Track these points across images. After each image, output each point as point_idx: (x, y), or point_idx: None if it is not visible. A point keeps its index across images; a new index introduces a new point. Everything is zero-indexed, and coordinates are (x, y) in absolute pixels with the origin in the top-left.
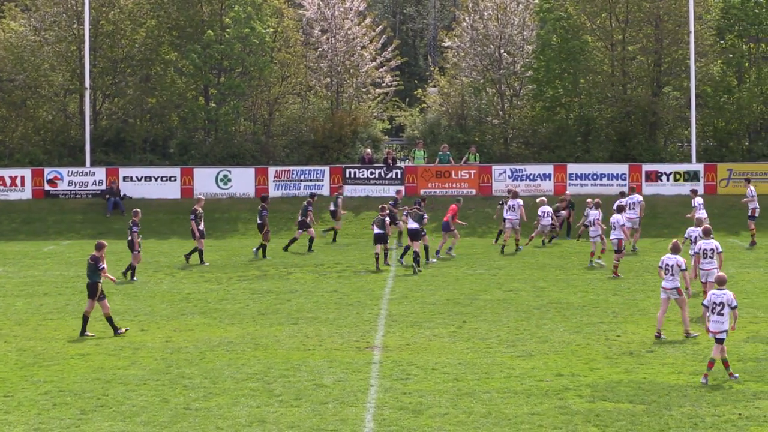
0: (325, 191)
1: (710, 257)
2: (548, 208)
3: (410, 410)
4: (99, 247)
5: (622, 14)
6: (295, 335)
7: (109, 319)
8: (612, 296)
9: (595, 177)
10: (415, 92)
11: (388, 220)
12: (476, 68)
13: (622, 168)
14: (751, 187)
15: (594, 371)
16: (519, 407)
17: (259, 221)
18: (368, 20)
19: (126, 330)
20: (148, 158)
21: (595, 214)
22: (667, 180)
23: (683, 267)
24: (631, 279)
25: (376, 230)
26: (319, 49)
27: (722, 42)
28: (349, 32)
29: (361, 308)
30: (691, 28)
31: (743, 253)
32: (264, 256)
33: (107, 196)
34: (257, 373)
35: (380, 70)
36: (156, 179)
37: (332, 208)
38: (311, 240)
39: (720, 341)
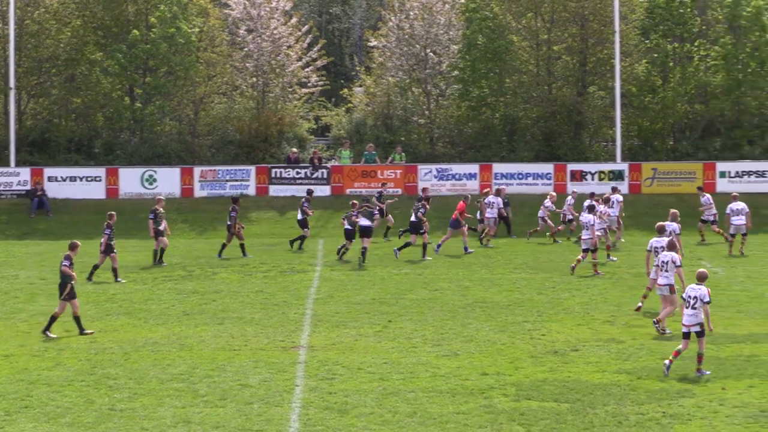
0: (251, 191)
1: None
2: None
3: (336, 410)
4: (72, 247)
5: (547, 14)
6: (220, 335)
7: (77, 319)
8: (537, 295)
9: (520, 176)
10: (341, 92)
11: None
12: (402, 68)
13: (548, 167)
14: (707, 195)
15: (519, 370)
16: (444, 406)
17: (228, 222)
18: (294, 20)
19: (92, 332)
20: (73, 158)
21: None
22: (592, 179)
23: (678, 263)
24: (556, 278)
25: (346, 225)
26: (245, 49)
27: (647, 41)
28: (275, 32)
29: (287, 308)
30: (617, 28)
31: None
32: (244, 254)
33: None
34: (182, 374)
35: (306, 69)
36: (81, 179)
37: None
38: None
39: (698, 334)
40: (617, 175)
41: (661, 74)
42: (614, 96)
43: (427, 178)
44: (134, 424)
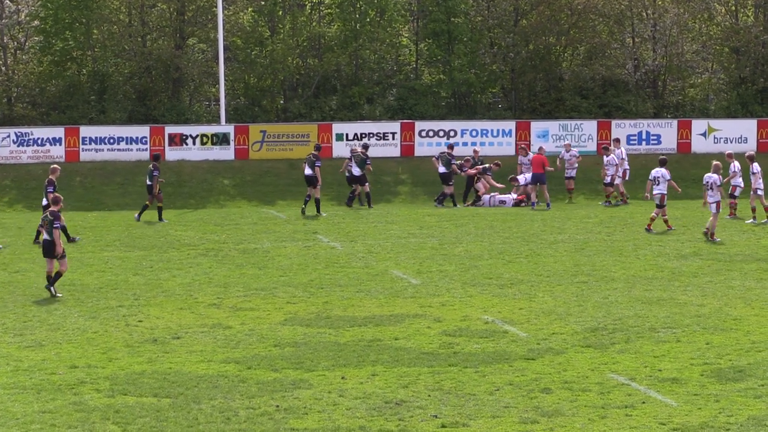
0: None
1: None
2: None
3: None
4: (56, 201)
5: None
6: None
7: (57, 276)
8: (133, 276)
9: (112, 141)
10: None
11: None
12: None
13: (143, 130)
14: (735, 162)
15: (113, 362)
16: (28, 405)
17: (148, 182)
18: None
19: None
20: None
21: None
22: (194, 144)
23: (719, 183)
24: (154, 257)
25: (307, 171)
26: None
27: None
28: None
29: None
30: None
31: (279, 225)
32: (160, 218)
33: None
34: None
35: None
36: None
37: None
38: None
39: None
40: (222, 139)
41: (269, 24)
42: (217, 49)
43: (5, 143)
44: None
